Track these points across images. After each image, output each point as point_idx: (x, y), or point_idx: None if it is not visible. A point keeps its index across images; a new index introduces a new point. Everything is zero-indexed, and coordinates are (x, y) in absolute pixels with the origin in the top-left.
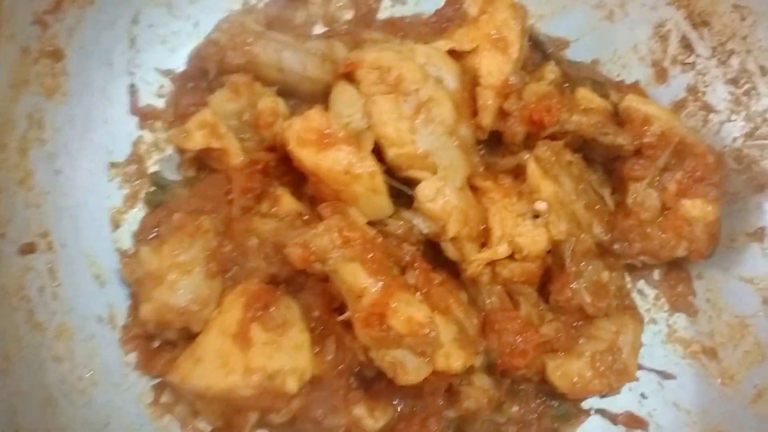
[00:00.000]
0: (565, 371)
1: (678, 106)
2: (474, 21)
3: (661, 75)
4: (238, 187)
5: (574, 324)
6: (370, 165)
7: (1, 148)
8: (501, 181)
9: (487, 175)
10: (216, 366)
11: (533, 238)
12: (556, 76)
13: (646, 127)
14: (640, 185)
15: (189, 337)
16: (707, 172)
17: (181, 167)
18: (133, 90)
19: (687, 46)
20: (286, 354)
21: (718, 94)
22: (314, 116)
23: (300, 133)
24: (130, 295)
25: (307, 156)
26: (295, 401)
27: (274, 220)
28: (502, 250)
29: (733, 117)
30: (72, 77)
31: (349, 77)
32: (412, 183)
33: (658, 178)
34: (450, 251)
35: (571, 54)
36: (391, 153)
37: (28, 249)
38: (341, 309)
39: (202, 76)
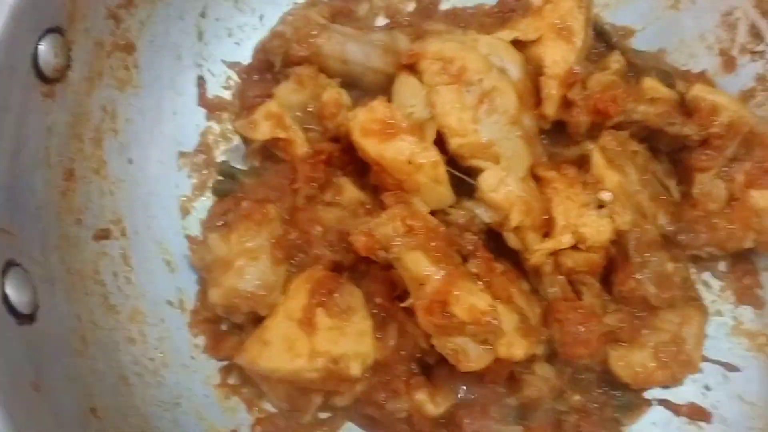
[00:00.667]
0: (628, 361)
1: (746, 96)
2: (538, 10)
3: (729, 64)
4: (302, 177)
5: (638, 315)
6: (433, 155)
7: (77, 139)
8: (564, 171)
9: (550, 165)
10: (283, 350)
11: (597, 228)
12: (621, 66)
13: (713, 117)
14: (706, 176)
15: (255, 320)
16: None
17: (247, 157)
18: (200, 82)
19: (756, 34)
20: (349, 339)
21: None
22: (378, 107)
23: (364, 123)
24: (198, 280)
25: (370, 146)
26: (358, 385)
27: (337, 209)
28: (565, 239)
29: None
30: (143, 70)
31: (412, 68)
32: (475, 173)
33: (725, 168)
34: (512, 241)
35: (637, 43)
36: (454, 143)
37: (103, 235)
38: (403, 296)
39: (268, 69)
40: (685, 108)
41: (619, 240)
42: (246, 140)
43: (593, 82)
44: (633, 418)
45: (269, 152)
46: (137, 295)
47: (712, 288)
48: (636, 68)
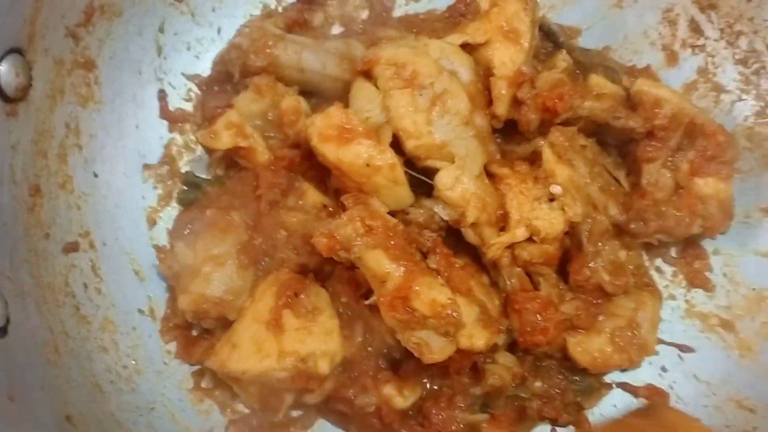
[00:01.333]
0: (586, 347)
1: (689, 88)
2: (485, 14)
3: (672, 58)
4: (265, 183)
5: (594, 302)
6: (390, 157)
7: (42, 155)
8: (517, 167)
9: (503, 162)
10: (252, 351)
11: (550, 221)
12: (568, 65)
13: (657, 110)
14: (653, 166)
15: (225, 325)
16: (718, 150)
17: (210, 167)
18: (162, 95)
19: (696, 29)
20: (317, 338)
21: (728, 75)
22: (334, 113)
23: (321, 129)
24: (168, 288)
25: (329, 151)
26: (328, 382)
27: (300, 213)
28: (520, 233)
29: (744, 96)
30: (104, 86)
31: (367, 74)
32: (432, 172)
33: (670, 158)
34: (470, 236)
35: (583, 42)
36: (410, 145)
37: (72, 248)
38: (368, 294)
39: (227, 80)
40: (630, 102)
41: (572, 231)
42: (208, 150)
43: (541, 81)
44: (594, 401)
45: (232, 161)
46: (108, 305)
47: (664, 273)
48: (583, 66)
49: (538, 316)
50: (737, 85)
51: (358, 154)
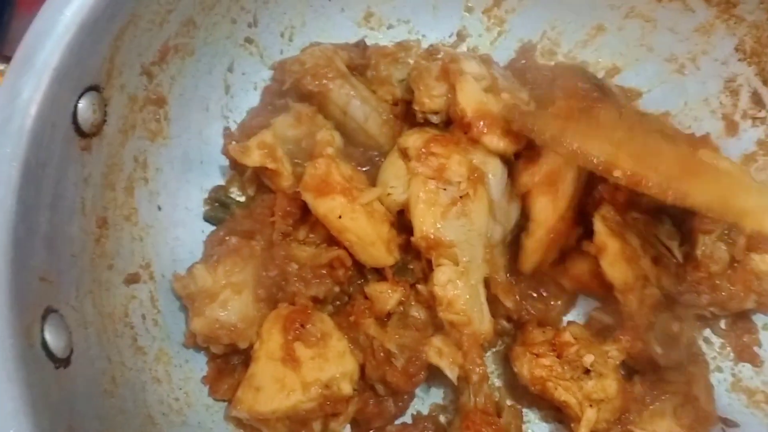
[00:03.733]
0: None
1: (748, 159)
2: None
3: (732, 128)
4: (280, 210)
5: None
6: (359, 218)
7: (110, 188)
8: (536, 350)
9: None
10: (276, 390)
11: (604, 389)
12: None
13: None
14: (709, 238)
15: (233, 352)
16: None
17: (242, 187)
18: (226, 132)
19: (758, 101)
20: (333, 362)
21: None
22: (320, 164)
23: (307, 177)
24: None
25: (309, 199)
26: (351, 406)
27: (311, 247)
28: (591, 414)
29: None
30: (173, 122)
31: (404, 152)
32: (431, 265)
33: (727, 231)
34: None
35: (643, 104)
36: (417, 234)
37: (133, 279)
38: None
39: (278, 92)
40: None
41: (623, 301)
42: (236, 166)
43: None
44: None
45: (263, 183)
46: (163, 337)
47: (713, 344)
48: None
49: None
50: None
51: (332, 209)
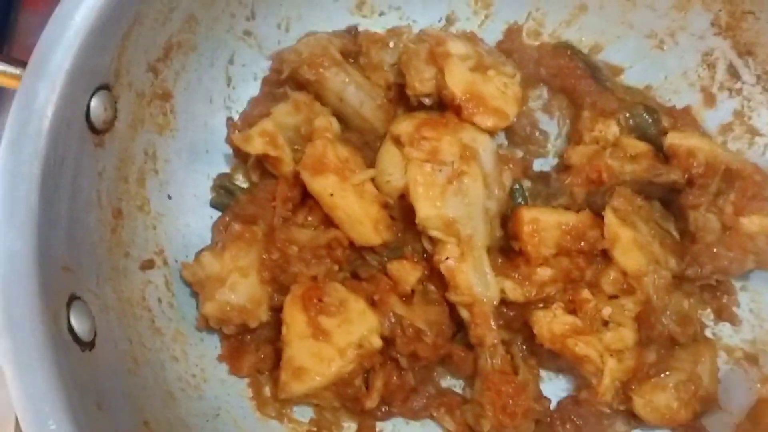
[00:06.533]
0: (654, 406)
1: (725, 129)
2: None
3: (710, 100)
4: (280, 196)
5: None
6: (348, 197)
7: (124, 180)
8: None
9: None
10: (317, 363)
11: (622, 340)
12: (614, 137)
13: (692, 159)
14: (698, 212)
15: (245, 331)
16: (757, 189)
17: (246, 173)
18: (229, 122)
19: (733, 73)
20: (358, 323)
21: (763, 119)
22: (318, 144)
23: (305, 157)
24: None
25: (305, 177)
26: (377, 381)
27: (310, 230)
28: (612, 364)
29: None
30: (179, 114)
31: (397, 139)
32: (434, 243)
33: (713, 202)
34: (463, 314)
35: (625, 80)
36: (421, 215)
37: (148, 265)
38: None
39: (276, 81)
40: (665, 155)
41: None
42: (239, 154)
43: (576, 156)
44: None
45: (266, 170)
46: (179, 318)
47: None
48: (626, 104)
49: (510, 400)
50: None
51: (325, 187)
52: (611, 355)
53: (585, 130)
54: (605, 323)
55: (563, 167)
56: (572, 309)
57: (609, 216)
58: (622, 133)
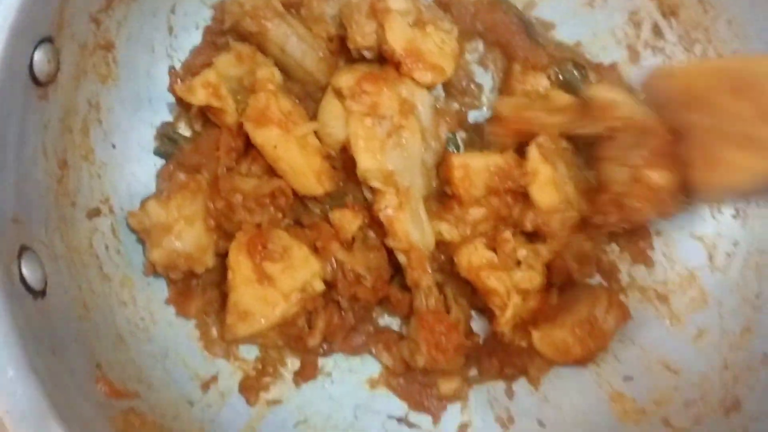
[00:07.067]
0: (550, 340)
1: None
2: None
3: (635, 57)
4: (224, 146)
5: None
6: (292, 149)
7: (68, 131)
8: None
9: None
10: (262, 307)
11: (530, 280)
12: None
13: (610, 112)
14: (609, 163)
15: (190, 277)
16: (668, 147)
17: (189, 121)
18: (172, 71)
19: (658, 32)
20: (300, 268)
21: None
22: (261, 97)
23: (249, 109)
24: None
25: (249, 129)
26: (320, 321)
27: (253, 179)
28: (516, 300)
29: None
30: (121, 64)
31: (338, 92)
32: (373, 192)
33: (625, 155)
34: (401, 258)
35: (557, 36)
36: (361, 166)
37: (94, 213)
38: None
39: (218, 31)
40: (588, 106)
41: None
42: (182, 103)
43: (503, 106)
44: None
45: (209, 119)
46: (126, 264)
47: (613, 250)
48: (557, 60)
49: (443, 337)
50: None
51: (268, 139)
52: (517, 293)
53: (516, 83)
54: (518, 263)
55: (494, 118)
56: (493, 247)
57: (533, 151)
58: (552, 87)
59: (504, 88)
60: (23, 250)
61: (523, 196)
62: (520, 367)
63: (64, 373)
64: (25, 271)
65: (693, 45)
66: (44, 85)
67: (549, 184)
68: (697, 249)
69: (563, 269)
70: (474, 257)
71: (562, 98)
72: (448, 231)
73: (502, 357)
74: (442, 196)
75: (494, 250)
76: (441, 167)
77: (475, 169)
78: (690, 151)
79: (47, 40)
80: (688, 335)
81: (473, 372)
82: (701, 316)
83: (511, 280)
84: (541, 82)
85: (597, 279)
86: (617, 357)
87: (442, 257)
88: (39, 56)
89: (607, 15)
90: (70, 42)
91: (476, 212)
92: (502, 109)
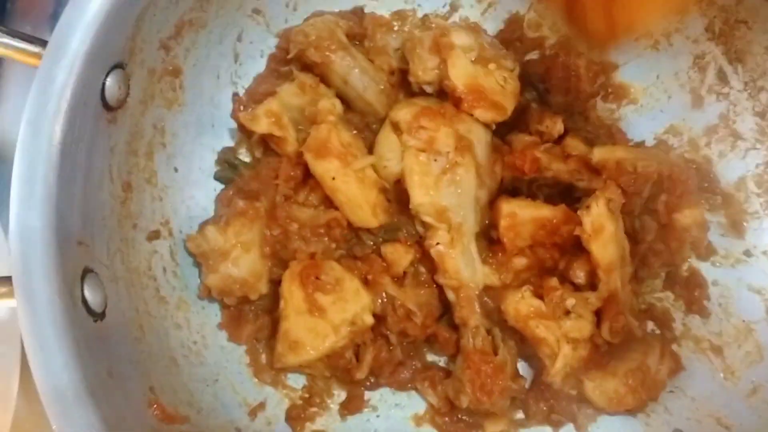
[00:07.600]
0: (603, 389)
1: (710, 131)
2: None
3: (698, 101)
4: (284, 174)
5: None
6: (350, 181)
7: (133, 154)
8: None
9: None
10: (312, 338)
11: (579, 329)
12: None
13: (621, 171)
14: (635, 217)
15: (244, 302)
16: (684, 187)
17: (250, 149)
18: (235, 98)
19: (722, 78)
20: (351, 301)
21: (746, 124)
22: (322, 129)
23: (310, 140)
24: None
25: (309, 160)
26: (367, 354)
27: (310, 208)
28: (567, 350)
29: (758, 146)
30: (187, 90)
31: (395, 125)
32: (426, 227)
33: (647, 205)
34: (449, 295)
35: (619, 77)
36: (414, 202)
37: (154, 236)
38: None
39: (282, 59)
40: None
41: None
42: (244, 130)
43: (516, 141)
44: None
45: (269, 146)
46: (182, 287)
47: (667, 299)
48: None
49: (488, 379)
50: (753, 135)
51: (327, 170)
52: (567, 342)
53: (532, 122)
54: (567, 312)
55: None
56: (540, 294)
57: (601, 206)
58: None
59: (518, 123)
60: (86, 272)
61: (571, 248)
62: (568, 414)
63: (120, 396)
64: (87, 293)
65: (759, 92)
66: (114, 109)
67: (612, 240)
68: (755, 302)
69: (626, 328)
70: (521, 305)
71: (576, 146)
72: (489, 276)
73: (550, 403)
74: (489, 235)
75: (541, 297)
76: (492, 208)
77: (522, 219)
78: None
79: (119, 66)
80: (741, 390)
81: (519, 415)
82: (756, 371)
83: (560, 329)
84: (556, 126)
85: (649, 326)
86: (667, 408)
87: (490, 303)
88: (111, 82)
89: (672, 58)
90: (140, 68)
91: (519, 262)
92: (513, 142)
